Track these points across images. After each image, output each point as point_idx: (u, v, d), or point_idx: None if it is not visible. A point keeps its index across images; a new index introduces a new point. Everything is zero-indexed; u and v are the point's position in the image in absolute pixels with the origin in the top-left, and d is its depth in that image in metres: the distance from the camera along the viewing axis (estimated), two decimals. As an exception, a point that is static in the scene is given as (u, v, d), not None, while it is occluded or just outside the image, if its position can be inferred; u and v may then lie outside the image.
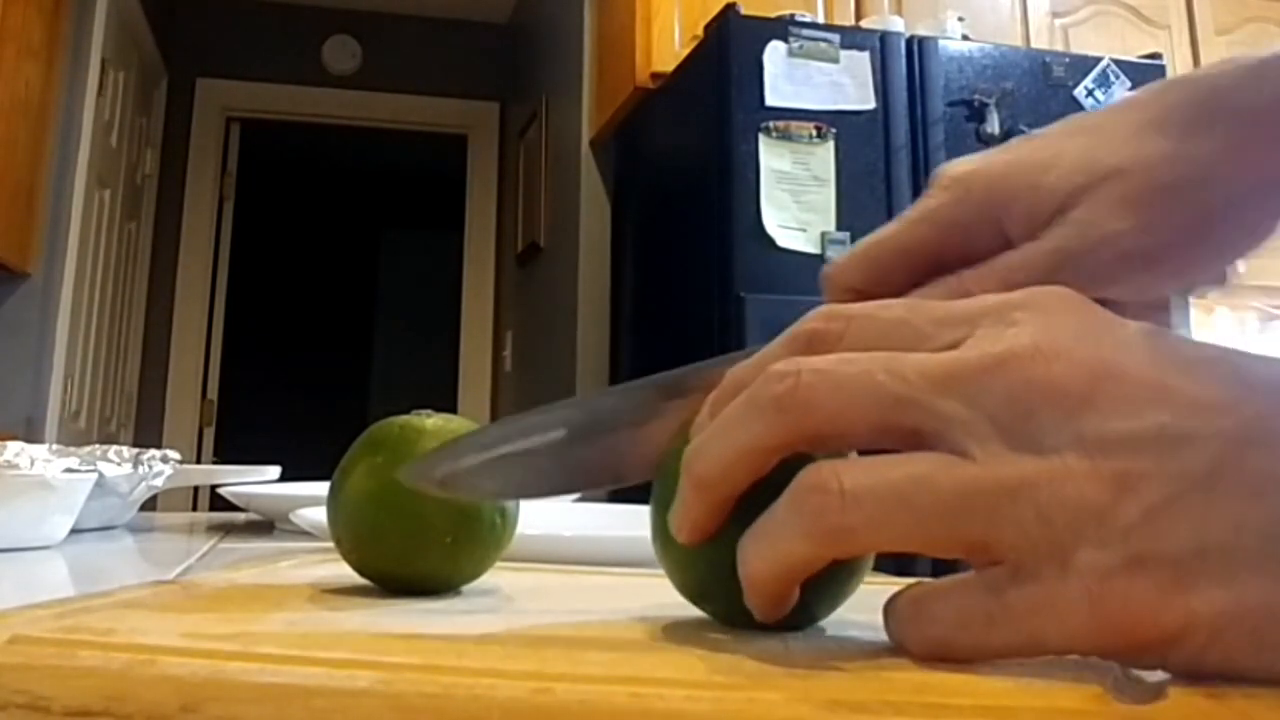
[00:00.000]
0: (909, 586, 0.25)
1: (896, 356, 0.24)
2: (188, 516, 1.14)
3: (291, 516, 0.62)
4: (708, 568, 0.28)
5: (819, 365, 0.24)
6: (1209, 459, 0.21)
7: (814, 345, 0.26)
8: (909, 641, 0.24)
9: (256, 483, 0.90)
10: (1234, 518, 0.21)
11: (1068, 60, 2.19)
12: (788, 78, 1.95)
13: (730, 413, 0.26)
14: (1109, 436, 0.22)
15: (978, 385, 0.23)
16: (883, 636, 0.26)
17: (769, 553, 0.25)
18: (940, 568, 0.24)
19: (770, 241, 1.89)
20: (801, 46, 1.97)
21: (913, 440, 0.24)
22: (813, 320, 0.27)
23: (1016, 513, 0.22)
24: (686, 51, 2.20)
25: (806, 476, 0.24)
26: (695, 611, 0.30)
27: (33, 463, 0.71)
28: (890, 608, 0.25)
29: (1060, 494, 0.22)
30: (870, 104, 1.99)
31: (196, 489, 3.34)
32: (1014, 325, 0.24)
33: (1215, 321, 2.83)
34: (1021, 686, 0.21)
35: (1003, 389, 0.23)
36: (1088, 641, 0.22)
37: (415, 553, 0.35)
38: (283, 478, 0.95)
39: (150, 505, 0.95)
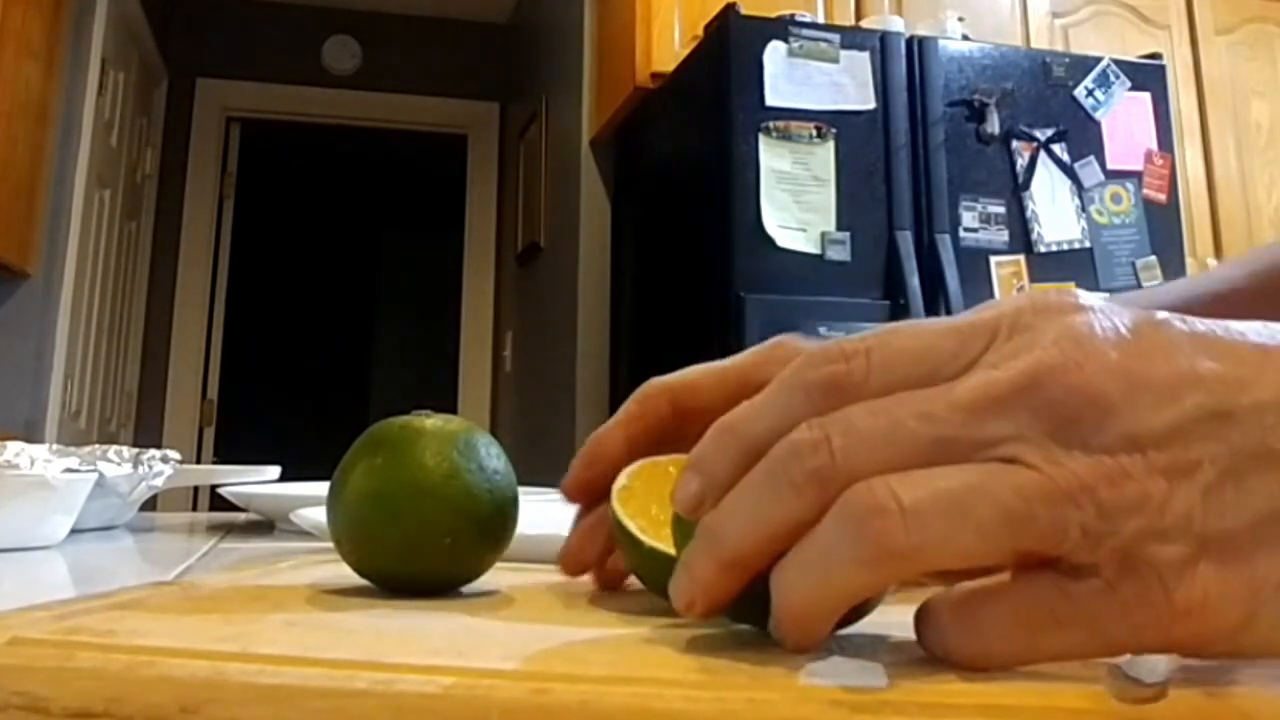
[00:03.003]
0: (945, 591, 0.24)
1: (920, 397, 0.23)
2: (188, 516, 1.14)
3: (291, 516, 0.62)
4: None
5: (846, 427, 0.23)
6: (1254, 430, 0.22)
7: (836, 392, 0.24)
8: (957, 650, 0.23)
9: (256, 483, 0.90)
10: None
11: (1068, 60, 2.19)
12: (788, 78, 1.95)
13: (757, 487, 0.24)
14: (1156, 430, 0.22)
15: (1016, 403, 0.22)
16: (882, 636, 0.26)
17: (820, 584, 0.23)
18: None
19: (770, 241, 1.89)
20: (801, 46, 1.97)
21: None
22: (828, 362, 0.24)
23: (1080, 516, 0.22)
24: (686, 51, 2.20)
25: (857, 497, 0.22)
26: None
27: (33, 463, 0.71)
28: (928, 616, 0.24)
29: (1121, 493, 0.21)
30: (870, 104, 1.99)
31: (196, 489, 3.34)
32: (1031, 331, 0.24)
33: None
34: (1021, 686, 0.21)
35: (1042, 402, 0.22)
36: (1158, 635, 0.22)
37: (415, 553, 0.35)
38: (283, 478, 0.95)
39: (150, 505, 0.95)
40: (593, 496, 0.37)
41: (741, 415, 0.26)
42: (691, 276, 2.09)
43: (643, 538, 0.31)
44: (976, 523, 0.22)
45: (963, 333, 0.24)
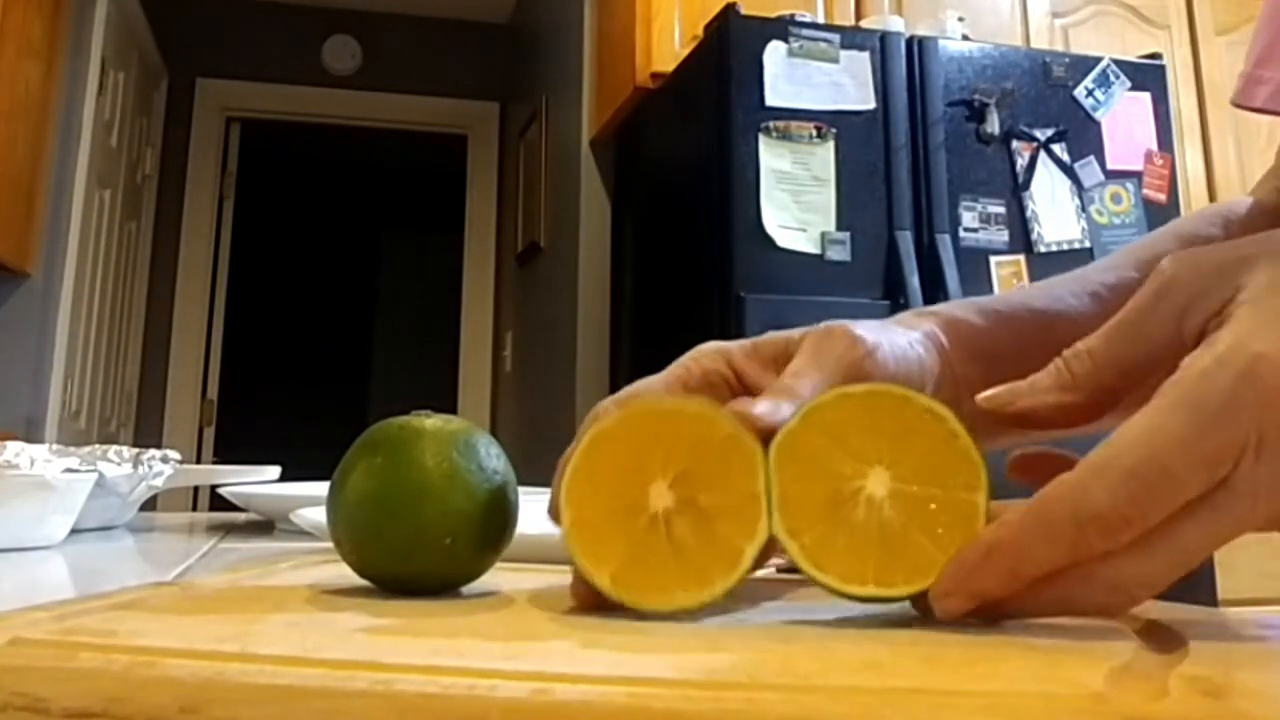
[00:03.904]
0: None
1: (1193, 552, 0.27)
2: (188, 516, 1.14)
3: (291, 516, 0.62)
4: None
5: (1146, 584, 0.27)
6: None
7: (1110, 539, 0.26)
8: None
9: (256, 483, 0.90)
10: None
11: (1068, 60, 2.19)
12: (788, 78, 1.95)
13: (1050, 605, 0.28)
14: None
15: None
16: (881, 634, 0.26)
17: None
18: None
19: (770, 241, 1.89)
20: (801, 46, 1.97)
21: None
22: (1096, 512, 0.26)
23: None
24: (686, 51, 2.20)
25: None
26: (693, 612, 0.30)
27: (33, 463, 0.71)
28: None
29: None
30: (870, 104, 1.99)
31: (196, 489, 3.34)
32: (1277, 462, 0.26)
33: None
34: (1022, 685, 0.21)
35: None
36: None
37: (415, 553, 0.35)
38: (283, 478, 0.95)
39: (150, 505, 0.95)
40: None
41: (1015, 549, 0.27)
42: (691, 276, 2.09)
43: (611, 592, 0.31)
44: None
45: (1212, 461, 0.26)
